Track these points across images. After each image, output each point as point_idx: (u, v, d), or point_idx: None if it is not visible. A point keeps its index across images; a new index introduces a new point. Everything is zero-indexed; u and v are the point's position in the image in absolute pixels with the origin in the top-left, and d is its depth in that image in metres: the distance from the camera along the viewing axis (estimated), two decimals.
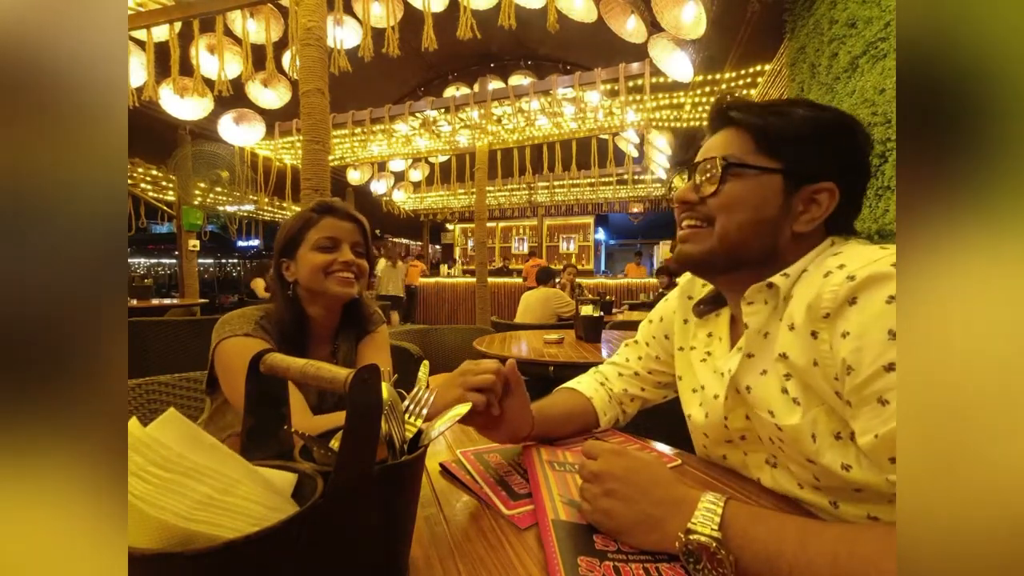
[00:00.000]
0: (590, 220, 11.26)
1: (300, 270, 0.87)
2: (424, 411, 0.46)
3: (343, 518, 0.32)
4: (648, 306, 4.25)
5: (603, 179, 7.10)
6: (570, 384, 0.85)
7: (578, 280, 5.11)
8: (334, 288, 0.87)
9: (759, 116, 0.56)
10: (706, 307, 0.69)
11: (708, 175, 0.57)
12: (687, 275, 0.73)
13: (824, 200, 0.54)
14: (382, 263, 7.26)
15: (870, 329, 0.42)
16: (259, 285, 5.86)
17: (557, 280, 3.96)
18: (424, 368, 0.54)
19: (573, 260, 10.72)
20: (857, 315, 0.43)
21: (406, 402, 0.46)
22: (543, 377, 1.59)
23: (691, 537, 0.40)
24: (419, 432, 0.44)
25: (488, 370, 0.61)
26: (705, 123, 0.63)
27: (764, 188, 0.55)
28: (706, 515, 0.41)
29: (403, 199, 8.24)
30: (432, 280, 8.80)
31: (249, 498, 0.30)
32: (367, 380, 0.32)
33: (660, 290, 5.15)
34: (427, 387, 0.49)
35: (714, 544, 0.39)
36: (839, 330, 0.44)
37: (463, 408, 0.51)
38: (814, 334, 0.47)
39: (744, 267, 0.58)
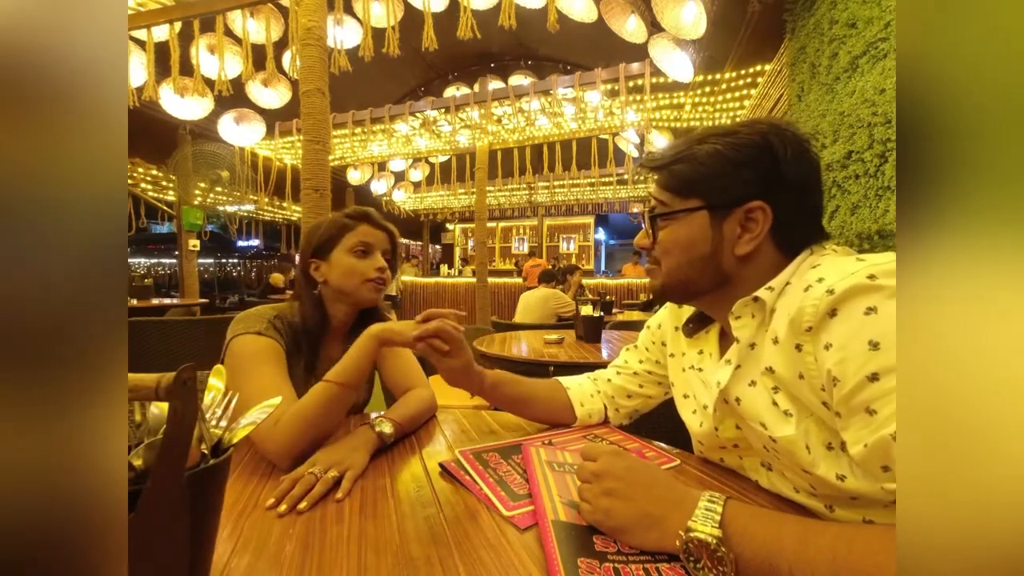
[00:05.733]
0: (590, 220, 11.25)
1: (332, 271, 0.91)
2: (225, 418, 0.41)
3: (152, 532, 0.30)
4: (644, 306, 4.25)
5: (603, 179, 7.09)
6: (560, 378, 0.87)
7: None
8: (365, 293, 0.91)
9: (667, 168, 0.60)
10: (694, 325, 0.70)
11: (648, 224, 0.63)
12: None
13: (759, 218, 0.55)
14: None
15: (851, 341, 0.42)
16: (278, 279, 6.00)
17: (566, 280, 3.94)
18: (217, 375, 0.45)
19: (573, 260, 10.72)
20: (839, 327, 0.44)
21: (208, 409, 0.41)
22: (543, 377, 1.58)
23: (691, 535, 0.40)
24: (219, 439, 0.39)
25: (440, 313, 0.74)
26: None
27: (692, 228, 0.58)
28: (706, 513, 0.42)
29: (403, 199, 8.23)
30: (432, 280, 8.80)
31: None
32: (187, 383, 0.29)
33: None
34: (226, 393, 0.43)
35: (714, 542, 0.39)
36: (822, 342, 0.45)
37: (273, 401, 0.46)
38: (798, 347, 0.48)
39: (702, 295, 0.61)
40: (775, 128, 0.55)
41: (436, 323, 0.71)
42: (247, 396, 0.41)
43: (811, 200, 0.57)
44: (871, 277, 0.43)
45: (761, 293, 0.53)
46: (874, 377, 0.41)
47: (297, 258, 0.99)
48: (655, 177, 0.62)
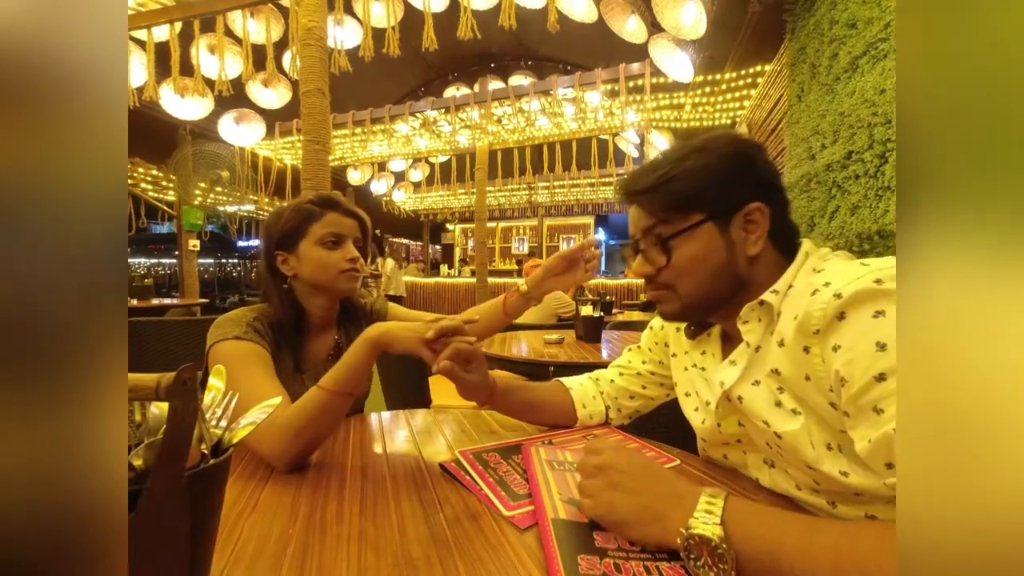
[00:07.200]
0: (590, 220, 11.26)
1: (303, 265, 0.86)
2: (225, 418, 0.40)
3: (152, 532, 0.30)
4: (644, 306, 4.25)
5: (603, 179, 7.09)
6: (562, 379, 0.87)
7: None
8: (343, 284, 0.88)
9: (664, 188, 0.59)
10: (696, 328, 0.70)
11: (651, 250, 0.61)
12: None
13: (759, 217, 0.57)
14: (390, 264, 7.27)
15: (859, 342, 0.43)
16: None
17: None
18: (217, 374, 0.45)
19: None
20: (847, 329, 0.45)
21: (208, 409, 0.40)
22: (543, 377, 1.59)
23: (692, 532, 0.40)
24: (220, 439, 0.38)
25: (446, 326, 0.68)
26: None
27: (703, 240, 0.58)
28: (707, 510, 0.42)
29: (403, 199, 8.24)
30: (432, 280, 8.80)
31: None
32: (187, 383, 0.29)
33: None
34: (226, 393, 0.42)
35: (715, 539, 0.39)
36: (830, 344, 0.46)
37: (273, 401, 0.45)
38: (806, 349, 0.49)
39: (723, 306, 0.61)
40: (736, 138, 0.59)
41: (452, 347, 0.66)
42: (236, 403, 0.40)
43: (786, 198, 0.60)
44: (878, 281, 0.43)
45: (767, 296, 0.54)
46: (881, 377, 0.41)
47: (260, 250, 0.92)
48: (646, 202, 0.60)
